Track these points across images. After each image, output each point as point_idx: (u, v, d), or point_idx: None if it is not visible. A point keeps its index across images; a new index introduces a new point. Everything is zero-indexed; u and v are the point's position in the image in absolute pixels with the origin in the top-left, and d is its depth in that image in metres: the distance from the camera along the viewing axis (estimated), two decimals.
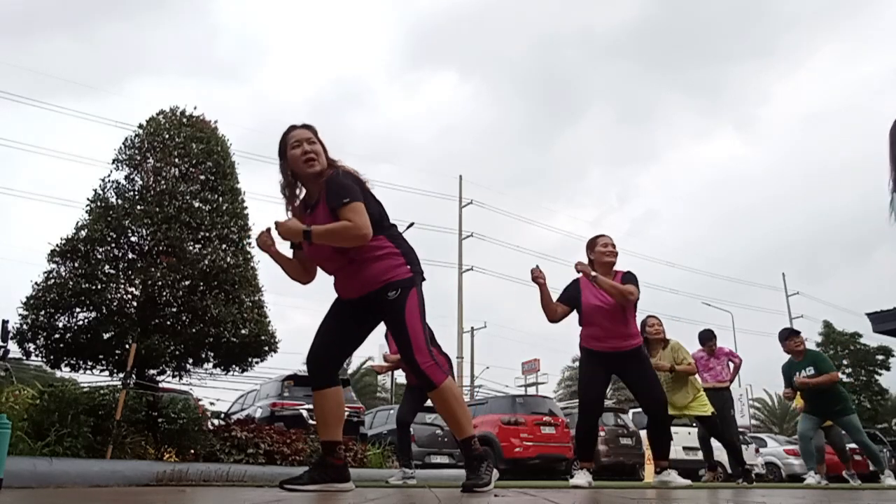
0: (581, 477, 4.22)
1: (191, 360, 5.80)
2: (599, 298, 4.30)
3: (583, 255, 4.50)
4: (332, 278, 2.82)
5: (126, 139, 6.07)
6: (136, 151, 5.99)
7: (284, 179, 2.78)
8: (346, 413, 11.05)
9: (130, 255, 5.60)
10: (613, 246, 4.42)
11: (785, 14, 66.89)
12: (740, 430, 16.15)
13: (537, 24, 67.17)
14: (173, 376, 5.87)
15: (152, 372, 5.67)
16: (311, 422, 9.92)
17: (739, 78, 66.90)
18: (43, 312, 5.23)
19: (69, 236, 5.47)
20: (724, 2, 70.62)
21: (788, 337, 6.67)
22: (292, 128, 2.79)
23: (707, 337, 6.97)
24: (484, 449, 2.79)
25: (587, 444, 4.43)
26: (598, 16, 68.37)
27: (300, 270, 2.85)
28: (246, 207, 6.25)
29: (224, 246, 5.83)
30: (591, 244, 4.48)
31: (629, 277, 4.33)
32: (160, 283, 5.33)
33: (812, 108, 72.19)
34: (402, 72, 73.54)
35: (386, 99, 71.89)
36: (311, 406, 10.47)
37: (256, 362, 6.07)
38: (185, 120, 6.27)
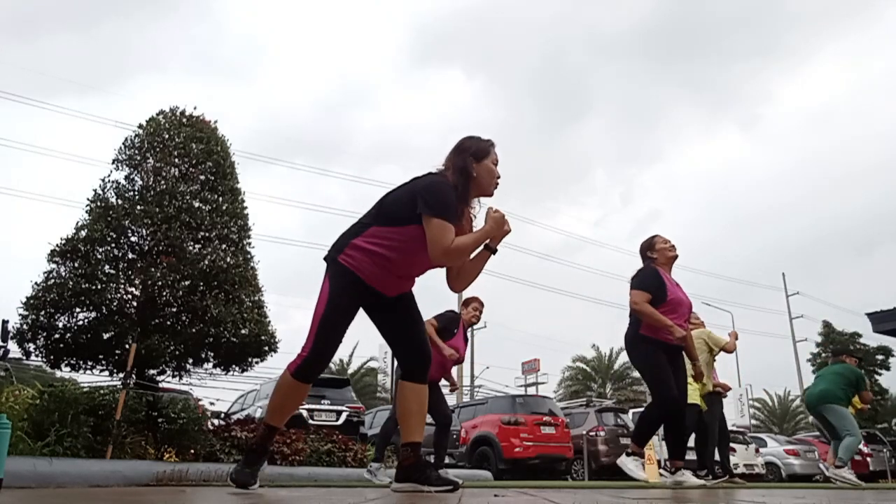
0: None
1: (191, 360, 5.80)
2: (682, 290, 4.49)
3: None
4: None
5: (126, 139, 6.09)
6: (136, 151, 5.99)
7: (465, 176, 2.64)
8: (346, 413, 11.17)
9: (130, 255, 5.60)
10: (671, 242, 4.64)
11: (790, 13, 66.78)
12: (740, 429, 16.19)
13: (543, 24, 67.10)
14: (173, 376, 5.88)
15: (152, 372, 5.67)
16: (311, 422, 9.94)
17: (743, 78, 66.78)
18: (43, 312, 5.23)
19: (69, 236, 5.47)
20: (729, 1, 70.54)
21: (846, 353, 7.28)
22: (494, 143, 2.76)
23: None
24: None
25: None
26: (603, 15, 68.24)
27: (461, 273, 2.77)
28: (246, 207, 6.26)
29: (224, 246, 5.83)
30: (650, 245, 4.62)
31: None
32: (160, 283, 5.33)
33: (817, 108, 72.06)
34: (407, 71, 73.39)
35: (390, 98, 71.83)
36: (311, 406, 10.57)
37: (256, 362, 6.07)
38: (184, 120, 6.28)
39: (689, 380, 6.02)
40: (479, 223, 2.74)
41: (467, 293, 4.88)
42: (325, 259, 2.71)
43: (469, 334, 5.86)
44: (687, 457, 5.83)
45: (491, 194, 2.74)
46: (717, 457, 6.51)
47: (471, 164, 2.64)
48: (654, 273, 4.46)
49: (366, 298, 2.69)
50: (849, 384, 6.67)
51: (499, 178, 2.73)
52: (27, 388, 5.48)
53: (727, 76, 66.70)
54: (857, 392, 6.74)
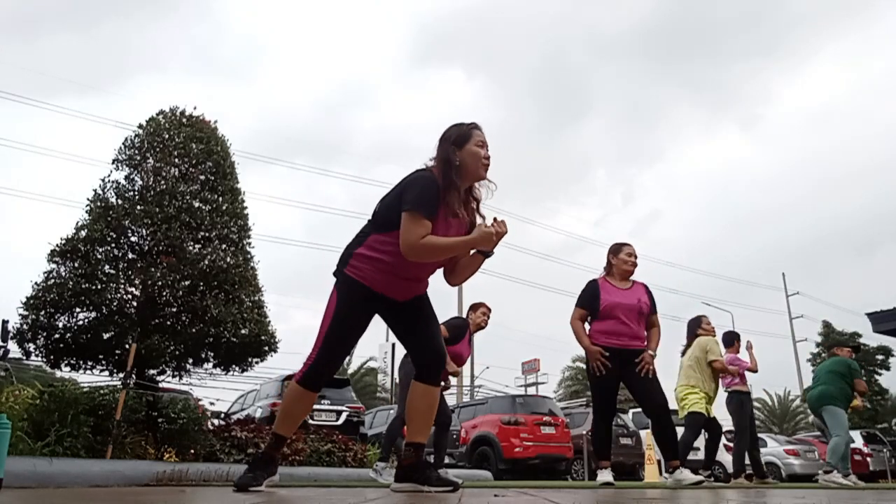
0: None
1: (191, 360, 5.79)
2: (639, 293, 4.55)
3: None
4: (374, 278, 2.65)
5: (126, 139, 6.08)
6: (136, 151, 5.99)
7: (448, 165, 2.62)
8: (346, 413, 11.18)
9: (130, 255, 5.60)
10: (636, 257, 4.69)
11: (790, 13, 66.82)
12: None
13: (543, 24, 67.20)
14: (173, 376, 5.87)
15: (152, 372, 5.67)
16: (311, 422, 9.94)
17: (743, 78, 66.85)
18: (43, 312, 5.23)
19: (69, 236, 5.47)
20: (730, 1, 70.52)
21: (837, 345, 7.51)
22: (477, 125, 2.74)
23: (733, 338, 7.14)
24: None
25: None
26: (603, 15, 68.35)
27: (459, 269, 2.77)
28: (246, 207, 6.26)
29: (224, 246, 5.83)
30: (617, 250, 4.70)
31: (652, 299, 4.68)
32: (160, 283, 5.33)
33: (817, 108, 72.19)
34: (407, 71, 73.56)
35: (390, 98, 71.89)
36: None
37: (256, 362, 6.07)
38: (184, 120, 6.28)
39: (692, 389, 6.10)
40: (487, 208, 2.75)
41: (472, 296, 4.89)
42: (334, 274, 2.73)
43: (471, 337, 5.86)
44: (690, 456, 5.93)
45: (483, 177, 2.71)
46: (746, 459, 6.52)
47: (453, 153, 2.63)
48: (589, 288, 4.62)
49: (377, 305, 2.71)
50: (843, 380, 6.61)
51: (487, 158, 2.68)
52: (27, 388, 5.48)
53: (727, 76, 66.79)
54: (852, 383, 6.70)
